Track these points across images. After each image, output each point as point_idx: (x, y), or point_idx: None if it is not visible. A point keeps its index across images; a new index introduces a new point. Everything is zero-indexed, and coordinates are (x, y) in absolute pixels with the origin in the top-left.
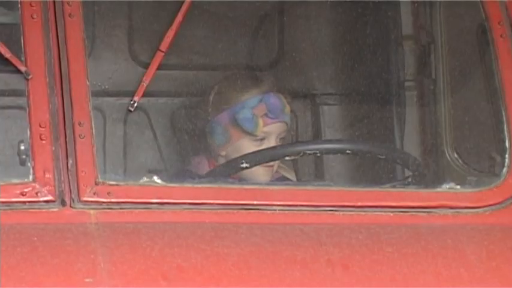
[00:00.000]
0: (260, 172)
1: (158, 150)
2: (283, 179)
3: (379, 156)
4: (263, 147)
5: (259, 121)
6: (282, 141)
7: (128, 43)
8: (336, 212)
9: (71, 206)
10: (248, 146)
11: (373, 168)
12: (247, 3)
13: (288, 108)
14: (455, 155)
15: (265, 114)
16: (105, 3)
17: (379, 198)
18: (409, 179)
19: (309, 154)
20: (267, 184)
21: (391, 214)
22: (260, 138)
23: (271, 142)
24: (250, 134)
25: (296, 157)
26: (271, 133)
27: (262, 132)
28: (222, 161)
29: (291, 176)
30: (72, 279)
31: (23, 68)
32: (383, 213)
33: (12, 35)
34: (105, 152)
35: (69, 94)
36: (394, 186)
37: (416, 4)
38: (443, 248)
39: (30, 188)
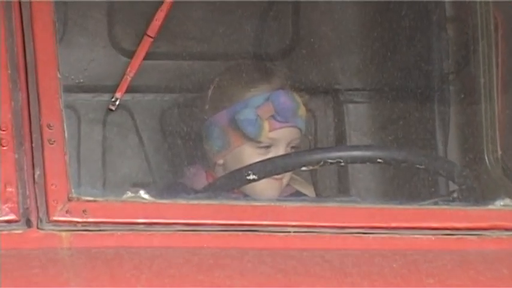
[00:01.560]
0: (264, 186)
1: (145, 158)
2: (298, 195)
3: (418, 166)
4: (269, 157)
5: (265, 124)
6: (294, 150)
7: (108, 26)
8: (365, 235)
9: (38, 227)
10: (250, 155)
11: (410, 181)
12: None
13: (302, 110)
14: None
15: (273, 116)
16: None
17: (418, 218)
18: (455, 195)
19: (331, 163)
20: (279, 201)
21: (433, 237)
22: (265, 146)
23: (279, 151)
24: (252, 139)
25: (315, 167)
26: (279, 140)
27: (267, 138)
28: (220, 171)
29: (309, 191)
30: None
31: None
32: (423, 236)
33: None
34: (80, 161)
35: (35, 89)
36: (436, 203)
37: None
38: (498, 278)
39: None
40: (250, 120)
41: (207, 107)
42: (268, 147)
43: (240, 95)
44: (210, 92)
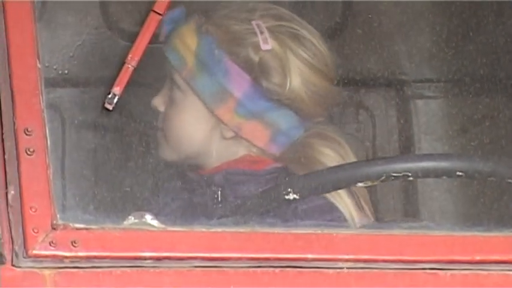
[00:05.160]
0: None
1: (152, 173)
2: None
3: (510, 181)
4: None
5: None
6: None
7: (101, 1)
8: (441, 272)
9: (13, 265)
10: None
11: (500, 200)
12: None
13: (182, 43)
14: None
15: None
16: None
17: None
18: None
19: (395, 178)
20: (329, 227)
21: None
22: None
23: None
24: None
25: (374, 183)
26: None
27: None
28: None
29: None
30: None
31: None
32: None
33: None
34: (66, 177)
35: (8, 83)
36: None
37: None
38: None
39: None
40: None
41: None
42: None
43: None
44: None
